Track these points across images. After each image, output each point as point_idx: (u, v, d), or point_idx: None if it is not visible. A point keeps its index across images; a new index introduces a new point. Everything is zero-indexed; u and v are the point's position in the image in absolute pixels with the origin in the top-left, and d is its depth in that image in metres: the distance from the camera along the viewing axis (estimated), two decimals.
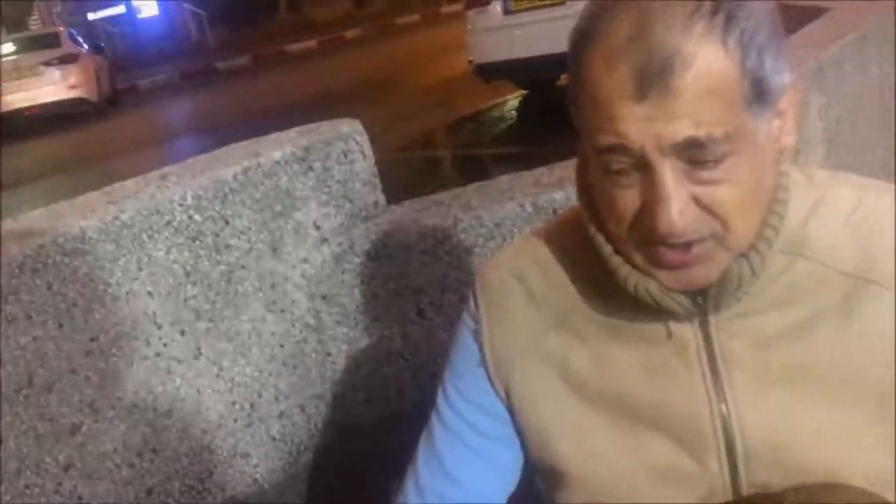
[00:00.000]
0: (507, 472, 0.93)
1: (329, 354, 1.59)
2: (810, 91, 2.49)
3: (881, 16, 3.11)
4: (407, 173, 5.92)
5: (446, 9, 19.86)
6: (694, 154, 0.70)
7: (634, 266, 0.78)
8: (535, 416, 0.87)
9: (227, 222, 1.44)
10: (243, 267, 1.46)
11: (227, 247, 1.44)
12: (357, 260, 1.61)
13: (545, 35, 6.19)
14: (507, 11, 7.04)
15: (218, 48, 22.56)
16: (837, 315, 0.78)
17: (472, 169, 5.73)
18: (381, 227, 1.64)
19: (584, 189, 0.82)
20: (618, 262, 0.79)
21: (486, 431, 0.91)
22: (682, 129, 0.68)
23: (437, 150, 7.36)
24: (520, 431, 0.90)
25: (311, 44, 19.11)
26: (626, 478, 0.82)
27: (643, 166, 0.71)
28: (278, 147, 1.55)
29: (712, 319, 0.80)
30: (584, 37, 0.73)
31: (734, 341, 0.80)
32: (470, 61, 7.42)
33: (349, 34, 19.88)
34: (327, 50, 17.91)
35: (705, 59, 0.67)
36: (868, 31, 2.93)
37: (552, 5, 6.67)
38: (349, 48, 17.64)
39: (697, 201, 0.71)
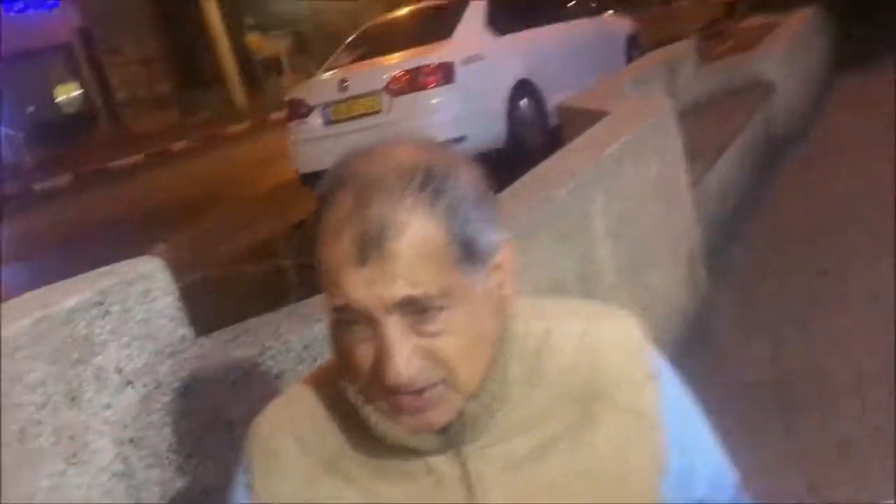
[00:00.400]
0: None
1: (140, 500, 1.55)
2: (594, 190, 2.73)
3: (655, 119, 3.46)
4: (240, 286, 5.84)
5: (274, 116, 20.04)
6: (413, 310, 0.78)
7: (383, 412, 0.85)
8: None
9: (18, 379, 1.40)
10: (39, 422, 1.42)
11: (19, 405, 1.39)
12: (165, 398, 1.59)
13: (363, 143, 6.36)
14: (326, 122, 7.22)
15: (35, 168, 21.57)
16: (571, 437, 0.89)
17: (306, 277, 5.72)
18: (188, 362, 1.64)
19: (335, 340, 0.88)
20: (368, 411, 0.86)
21: None
22: (400, 290, 0.77)
23: (270, 259, 7.32)
24: None
25: (137, 158, 18.64)
26: None
27: (372, 323, 0.79)
28: (74, 293, 1.53)
29: (465, 449, 0.88)
30: (318, 209, 0.82)
31: (487, 467, 0.88)
32: (296, 170, 7.50)
33: (176, 146, 19.58)
34: (154, 163, 17.53)
35: (416, 227, 0.77)
36: (644, 133, 3.25)
37: (370, 114, 6.92)
38: (177, 160, 17.35)
39: (423, 351, 0.80)
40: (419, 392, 0.81)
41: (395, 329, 0.78)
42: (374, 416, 0.86)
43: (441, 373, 0.81)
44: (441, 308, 0.79)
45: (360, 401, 0.86)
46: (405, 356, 0.79)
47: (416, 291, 0.78)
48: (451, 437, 0.87)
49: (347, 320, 0.80)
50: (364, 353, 0.81)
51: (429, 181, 0.79)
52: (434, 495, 0.88)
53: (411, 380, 0.79)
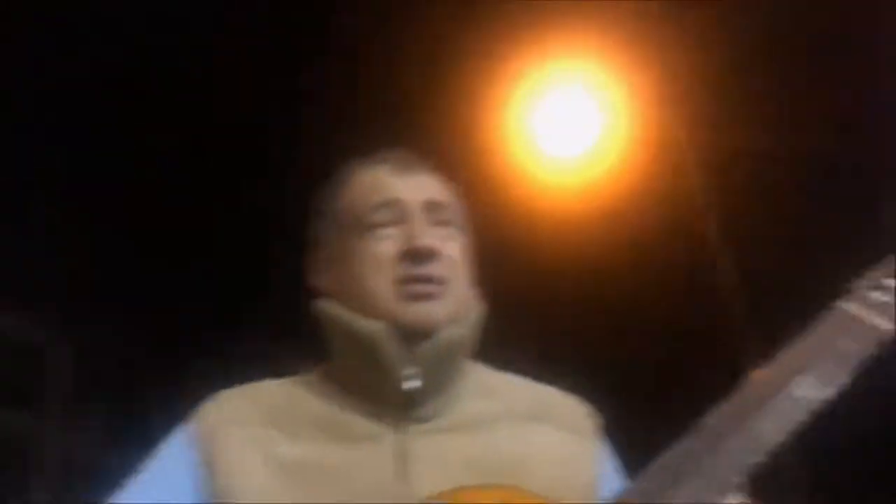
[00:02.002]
0: None
1: None
2: None
3: None
4: None
5: None
6: (434, 216, 1.04)
7: (378, 313, 0.99)
8: (225, 475, 0.93)
9: None
10: None
11: None
12: None
13: None
14: None
15: None
16: (511, 440, 1.00)
17: None
18: None
19: (321, 286, 1.08)
20: (351, 315, 1.00)
21: (175, 484, 0.96)
22: (429, 193, 1.06)
23: None
24: (210, 491, 0.94)
25: None
26: None
27: (402, 219, 1.02)
28: None
29: (409, 431, 0.96)
30: (341, 178, 1.11)
31: (425, 446, 0.95)
32: None
33: None
34: None
35: (434, 177, 1.10)
36: None
37: None
38: None
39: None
40: (432, 280, 0.99)
41: (422, 219, 1.03)
42: (356, 319, 0.99)
43: (448, 273, 1.01)
44: (450, 223, 1.06)
45: (343, 311, 1.01)
46: (429, 234, 1.02)
47: (441, 197, 1.07)
48: (410, 401, 0.96)
49: (378, 222, 1.02)
50: (387, 249, 1.01)
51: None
52: (368, 450, 0.94)
53: (435, 246, 1.00)
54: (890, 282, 0.92)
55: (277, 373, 1.10)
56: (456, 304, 1.01)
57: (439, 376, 0.99)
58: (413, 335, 0.98)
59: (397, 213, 1.03)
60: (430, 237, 1.01)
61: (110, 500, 0.96)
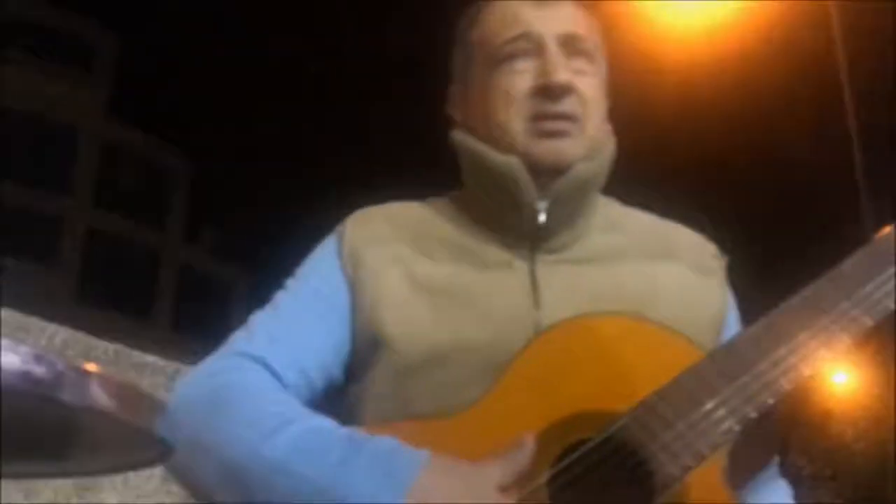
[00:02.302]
0: (334, 338, 0.99)
1: None
2: None
3: None
4: None
5: None
6: (571, 49, 1.00)
7: (510, 148, 0.98)
8: (371, 288, 0.98)
9: None
10: None
11: None
12: None
13: None
14: None
15: None
16: (639, 271, 1.00)
17: None
18: None
19: (458, 117, 1.08)
20: (486, 149, 1.00)
21: (326, 298, 1.00)
22: (568, 25, 1.01)
23: None
24: (357, 304, 0.99)
25: None
26: (441, 347, 0.93)
27: (538, 52, 0.99)
28: None
29: (539, 260, 0.98)
30: (479, 7, 1.07)
31: (555, 275, 0.97)
32: None
33: None
34: None
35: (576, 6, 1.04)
36: None
37: None
38: None
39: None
40: (564, 117, 0.97)
41: (558, 53, 0.99)
42: (491, 153, 0.99)
43: (580, 110, 0.98)
44: (588, 55, 1.01)
45: (478, 142, 1.01)
46: (564, 69, 0.98)
47: (579, 30, 1.01)
48: (541, 232, 0.98)
49: (513, 54, 0.99)
50: (521, 83, 0.99)
51: None
52: (502, 277, 0.97)
53: (569, 81, 0.97)
54: None
55: (411, 195, 1.11)
56: (589, 140, 1.00)
57: (570, 210, 0.99)
58: (545, 171, 0.97)
59: (532, 46, 1.00)
60: (565, 72, 0.98)
61: (275, 303, 1.01)
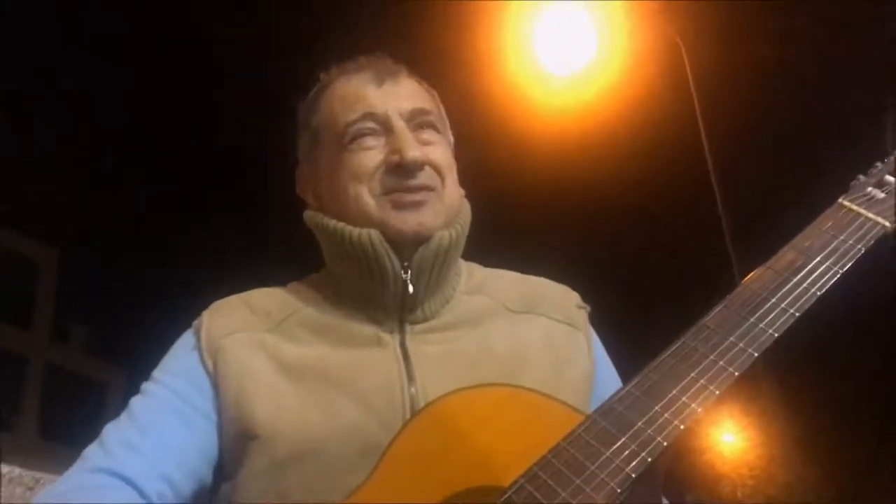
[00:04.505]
0: (199, 439, 0.94)
1: None
2: None
3: None
4: None
5: None
6: (418, 122, 1.03)
7: (366, 223, 0.99)
8: (235, 380, 0.94)
9: None
10: None
11: None
12: None
13: None
14: None
15: None
16: (506, 332, 1.01)
17: None
18: None
19: (309, 198, 1.09)
20: (342, 225, 1.00)
21: (187, 397, 0.95)
22: (411, 102, 1.03)
23: None
24: (220, 399, 0.95)
25: None
26: (315, 434, 0.90)
27: (384, 130, 1.01)
28: None
29: (407, 332, 0.98)
30: (319, 89, 1.08)
31: (425, 346, 0.97)
32: None
33: None
34: None
35: (414, 80, 1.08)
36: None
37: None
38: None
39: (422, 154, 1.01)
40: (421, 188, 0.99)
41: (405, 129, 1.01)
42: (348, 228, 0.99)
43: (436, 181, 1.01)
44: (435, 127, 1.05)
45: (336, 222, 1.01)
46: (415, 144, 1.00)
47: (423, 104, 1.05)
48: (407, 304, 0.98)
49: (360, 133, 1.01)
50: (373, 159, 1.00)
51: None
52: (373, 354, 0.96)
53: (423, 156, 1.00)
54: (890, 179, 0.93)
55: (267, 282, 1.09)
56: (445, 208, 1.01)
57: (435, 278, 0.99)
58: (406, 243, 0.98)
59: (378, 125, 1.01)
60: (415, 149, 0.99)
61: (129, 409, 0.95)
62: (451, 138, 1.11)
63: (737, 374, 0.82)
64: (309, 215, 1.05)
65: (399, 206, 0.98)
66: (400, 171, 0.99)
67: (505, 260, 1.16)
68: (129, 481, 0.87)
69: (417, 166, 0.99)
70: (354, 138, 1.01)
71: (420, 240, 0.98)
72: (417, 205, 0.99)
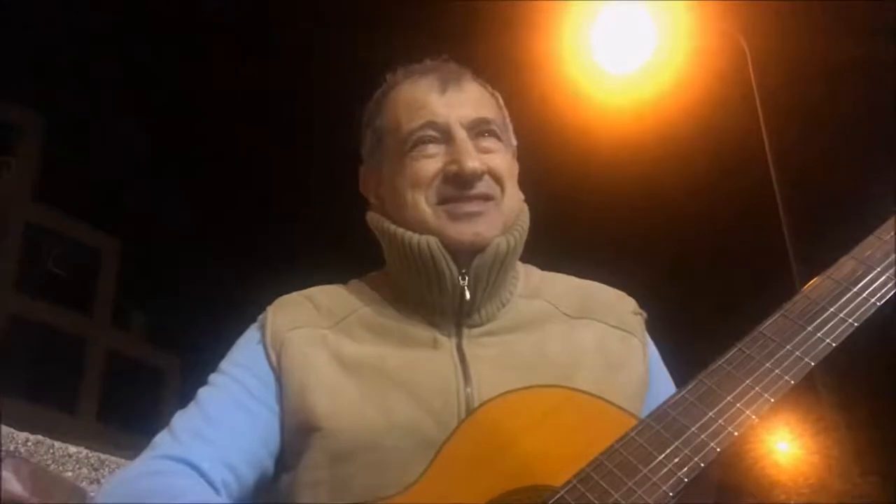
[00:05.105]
0: (263, 431, 0.97)
1: None
2: None
3: None
4: None
5: None
6: (479, 131, 1.03)
7: (424, 230, 1.00)
8: (298, 374, 0.97)
9: None
10: None
11: None
12: None
13: None
14: None
15: None
16: (563, 337, 1.01)
17: None
18: None
19: (371, 199, 1.11)
20: (402, 231, 1.02)
21: (252, 389, 0.98)
22: (473, 111, 1.04)
23: None
24: (283, 391, 0.98)
25: None
26: (373, 429, 0.92)
27: (445, 138, 1.02)
28: None
29: (465, 335, 0.99)
30: (385, 90, 1.09)
31: (481, 349, 0.99)
32: None
33: None
34: None
35: (478, 85, 1.09)
36: None
37: None
38: None
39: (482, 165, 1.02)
40: (478, 198, 1.00)
41: (466, 138, 1.02)
42: (408, 234, 1.01)
43: (496, 190, 1.02)
44: (496, 135, 1.05)
45: (396, 227, 1.03)
46: (475, 154, 1.01)
47: (485, 113, 1.05)
48: (464, 309, 0.99)
49: (421, 141, 1.02)
50: (432, 167, 1.01)
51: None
52: (430, 355, 0.98)
53: (482, 166, 1.00)
54: None
55: (324, 280, 1.11)
56: (503, 216, 1.02)
57: (492, 285, 1.01)
58: (463, 251, 0.99)
59: (439, 134, 1.02)
60: (474, 157, 1.00)
61: (198, 399, 0.98)
62: (514, 141, 1.12)
63: (792, 382, 0.82)
64: (371, 217, 1.07)
65: (455, 217, 0.99)
66: (458, 181, 1.00)
67: (562, 262, 1.16)
68: (195, 468, 0.90)
69: (476, 177, 1.00)
70: (416, 145, 1.02)
71: (477, 249, 0.99)
72: (474, 216, 1.00)
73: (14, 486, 0.40)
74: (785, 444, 9.01)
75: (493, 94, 1.10)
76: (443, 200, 1.00)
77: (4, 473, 0.40)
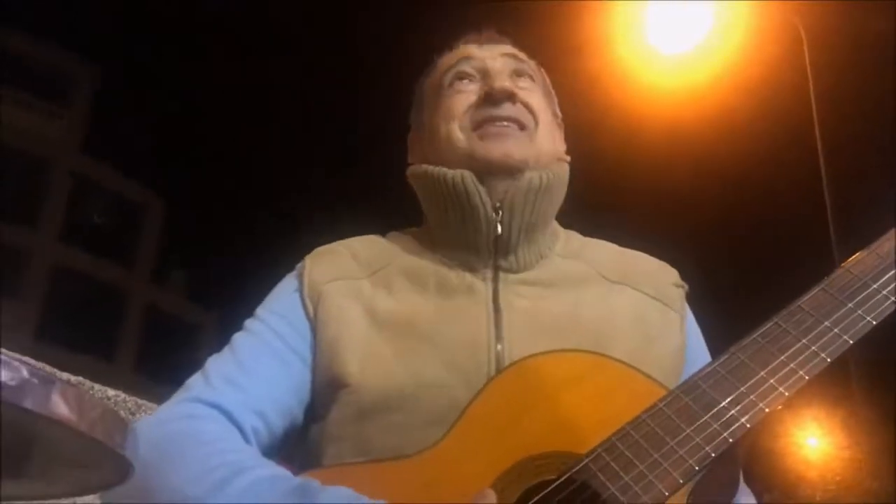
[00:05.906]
0: (294, 380, 0.97)
1: None
2: None
3: None
4: None
5: None
6: (513, 66, 1.07)
7: (456, 157, 1.02)
8: (331, 327, 0.97)
9: None
10: None
11: None
12: None
13: None
14: None
15: None
16: (599, 299, 1.00)
17: None
18: None
19: (413, 160, 1.11)
20: (436, 168, 1.02)
21: (286, 338, 0.99)
22: (507, 48, 1.09)
23: None
24: (317, 343, 0.98)
25: None
26: (400, 387, 0.92)
27: (481, 75, 1.05)
28: None
29: (503, 277, 0.99)
30: (432, 67, 1.13)
31: (517, 298, 0.98)
32: None
33: None
34: None
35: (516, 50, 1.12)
36: None
37: None
38: None
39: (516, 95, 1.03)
40: (510, 119, 1.01)
41: (502, 70, 1.05)
42: (443, 170, 1.01)
43: (527, 118, 1.03)
44: (530, 76, 1.08)
45: (432, 167, 1.03)
46: (507, 78, 1.05)
47: (520, 61, 1.08)
48: (500, 245, 1.00)
49: (457, 77, 1.06)
50: (466, 100, 1.04)
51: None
52: (463, 305, 0.97)
53: (511, 90, 1.02)
54: None
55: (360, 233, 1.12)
56: (535, 148, 1.02)
57: (525, 223, 0.99)
58: (494, 172, 0.99)
59: (475, 70, 1.06)
60: (506, 81, 1.04)
61: (232, 344, 0.99)
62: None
63: (829, 360, 0.80)
64: (410, 170, 1.08)
65: (485, 137, 1.00)
66: (489, 101, 1.01)
67: (612, 241, 1.15)
68: (226, 413, 0.91)
69: (506, 95, 1.01)
70: (452, 82, 1.06)
71: (507, 170, 0.99)
72: (503, 135, 1.00)
73: (62, 409, 0.41)
74: (814, 440, 8.90)
75: (527, 60, 1.11)
76: (475, 125, 1.02)
77: (54, 397, 0.41)
